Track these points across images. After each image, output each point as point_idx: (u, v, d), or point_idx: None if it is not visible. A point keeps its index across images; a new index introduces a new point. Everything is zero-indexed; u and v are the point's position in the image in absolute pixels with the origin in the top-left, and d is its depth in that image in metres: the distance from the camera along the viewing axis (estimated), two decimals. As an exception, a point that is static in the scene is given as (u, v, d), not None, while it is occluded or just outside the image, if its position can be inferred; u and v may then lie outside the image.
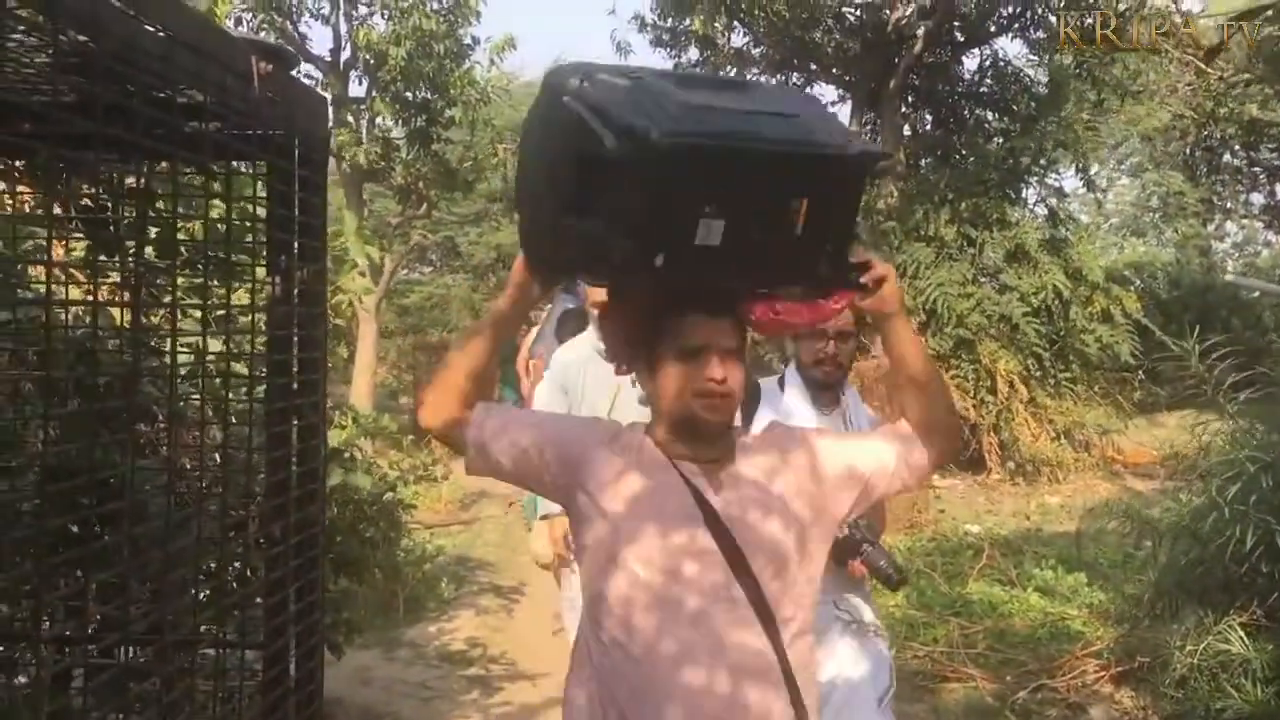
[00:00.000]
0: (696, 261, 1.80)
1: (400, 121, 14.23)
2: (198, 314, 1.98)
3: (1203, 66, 14.88)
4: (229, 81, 1.48)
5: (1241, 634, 4.78)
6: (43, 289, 2.05)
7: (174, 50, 1.34)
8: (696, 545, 2.00)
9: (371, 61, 13.65)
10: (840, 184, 1.91)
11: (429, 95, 14.06)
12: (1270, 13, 3.70)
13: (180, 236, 1.87)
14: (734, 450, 2.12)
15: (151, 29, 1.28)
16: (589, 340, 4.44)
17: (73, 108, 1.34)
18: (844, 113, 15.00)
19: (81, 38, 1.25)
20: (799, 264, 1.93)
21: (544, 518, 4.75)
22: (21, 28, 1.16)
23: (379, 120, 14.32)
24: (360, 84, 14.36)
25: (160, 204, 1.86)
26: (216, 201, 2.01)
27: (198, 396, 1.95)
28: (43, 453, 1.76)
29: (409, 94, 13.99)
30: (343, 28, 14.15)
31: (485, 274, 21.96)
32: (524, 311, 2.12)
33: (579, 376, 4.42)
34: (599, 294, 4.33)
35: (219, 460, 2.03)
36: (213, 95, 1.48)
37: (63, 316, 2.08)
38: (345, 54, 14.22)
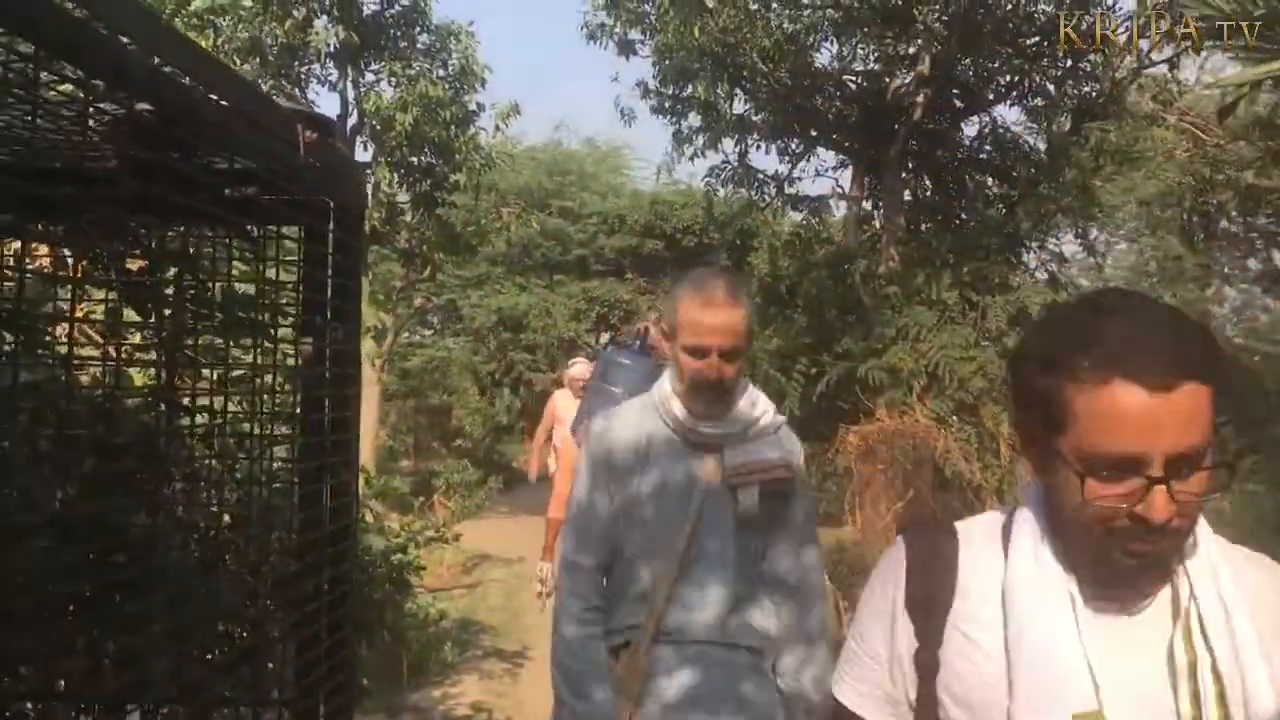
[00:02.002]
0: None
1: (405, 186, 14.39)
2: (231, 374, 2.01)
3: (1200, 134, 15.08)
4: (277, 148, 1.53)
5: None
6: (80, 349, 2.08)
7: (229, 118, 1.39)
8: None
9: (378, 127, 13.83)
10: None
11: (434, 160, 14.23)
12: (1270, 82, 3.79)
13: (218, 298, 1.92)
14: None
15: (211, 99, 1.34)
16: (657, 402, 2.92)
17: (128, 173, 1.38)
18: (845, 178, 15.17)
19: (143, 106, 1.30)
20: None
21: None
22: (92, 100, 1.21)
23: (384, 184, 14.49)
24: (366, 149, 14.56)
25: (201, 267, 1.91)
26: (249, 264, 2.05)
27: (230, 458, 1.98)
28: (64, 512, 1.78)
29: (414, 159, 14.16)
30: (350, 94, 14.36)
31: (486, 337, 22.06)
32: None
33: (632, 457, 2.87)
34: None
35: (250, 518, 2.05)
36: (261, 162, 1.52)
37: (90, 375, 2.10)
38: (352, 119, 14.42)
